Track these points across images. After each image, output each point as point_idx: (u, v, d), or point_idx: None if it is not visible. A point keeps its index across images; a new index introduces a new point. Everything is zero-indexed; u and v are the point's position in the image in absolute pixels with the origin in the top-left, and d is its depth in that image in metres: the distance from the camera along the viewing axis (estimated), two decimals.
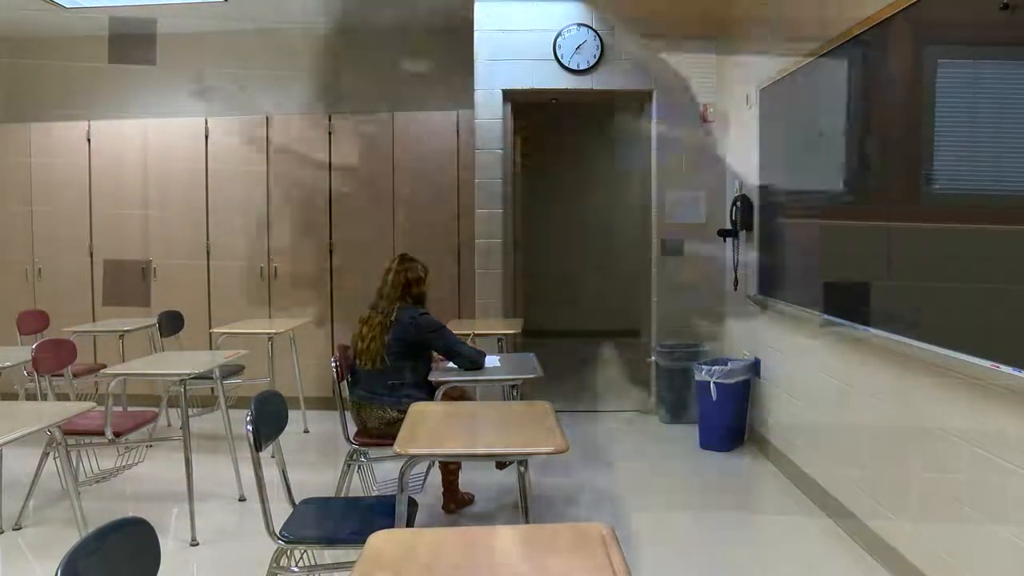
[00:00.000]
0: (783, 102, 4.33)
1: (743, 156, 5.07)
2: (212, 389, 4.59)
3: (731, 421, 4.87)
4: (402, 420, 2.79)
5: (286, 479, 2.67)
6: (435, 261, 4.16)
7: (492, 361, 3.81)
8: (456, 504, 3.85)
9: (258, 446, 2.40)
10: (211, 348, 5.26)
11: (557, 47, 5.52)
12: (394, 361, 3.58)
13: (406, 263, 3.75)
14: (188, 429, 3.65)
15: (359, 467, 3.65)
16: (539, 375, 3.61)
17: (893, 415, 3.15)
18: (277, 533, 2.41)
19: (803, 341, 4.13)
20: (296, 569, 2.45)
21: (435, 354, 3.76)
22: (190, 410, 3.80)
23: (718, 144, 5.56)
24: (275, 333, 5.13)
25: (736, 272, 5.18)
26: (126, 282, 6.03)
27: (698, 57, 5.53)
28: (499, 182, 5.60)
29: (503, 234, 5.64)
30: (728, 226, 5.20)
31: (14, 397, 4.74)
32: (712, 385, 4.76)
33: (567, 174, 9.34)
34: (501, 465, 4.13)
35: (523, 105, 6.02)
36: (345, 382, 3.63)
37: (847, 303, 3.47)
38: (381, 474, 3.82)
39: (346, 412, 3.60)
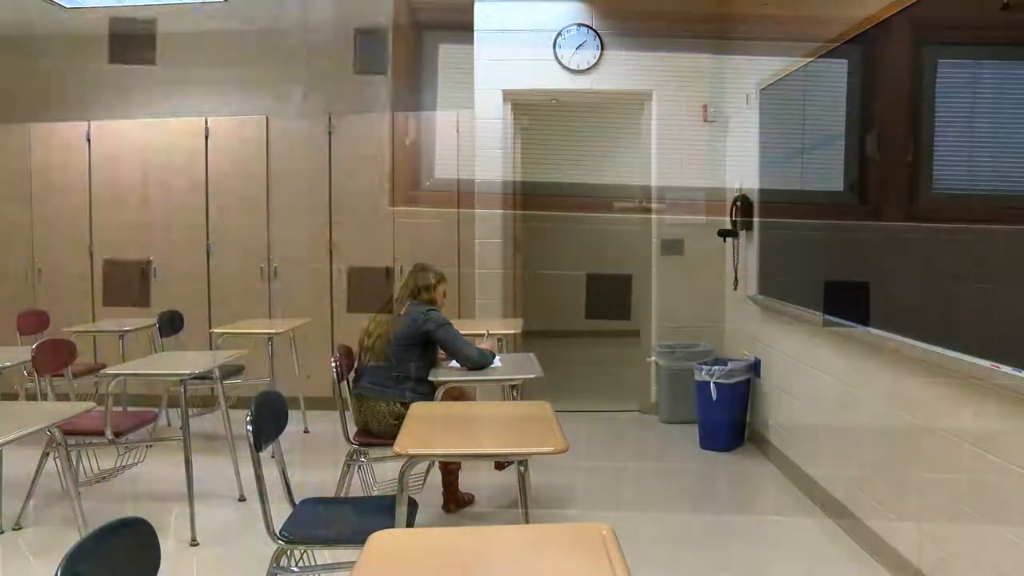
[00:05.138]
0: (783, 102, 4.33)
1: (743, 156, 5.07)
2: (212, 389, 4.58)
3: (731, 421, 4.87)
4: (403, 415, 2.80)
5: (286, 479, 2.67)
6: (435, 261, 4.17)
7: (493, 361, 3.81)
8: (456, 504, 3.86)
9: (258, 446, 2.40)
10: (211, 348, 5.26)
11: (557, 47, 5.52)
12: (399, 355, 3.62)
13: (417, 272, 3.86)
14: (188, 429, 3.65)
15: (359, 467, 3.65)
16: (539, 375, 3.61)
17: (893, 415, 3.15)
18: (277, 533, 2.41)
19: (803, 341, 4.13)
20: (296, 569, 2.45)
21: (441, 353, 3.79)
22: (190, 410, 3.80)
23: (718, 144, 5.56)
24: (275, 333, 5.13)
25: (736, 272, 5.18)
26: (126, 282, 6.03)
27: (698, 57, 5.53)
28: (499, 182, 5.60)
29: (503, 234, 5.64)
30: (728, 226, 5.20)
31: (14, 397, 4.74)
32: (712, 385, 4.76)
33: (567, 174, 9.34)
34: (501, 465, 4.13)
35: (523, 105, 6.01)
36: (346, 382, 3.64)
37: (847, 303, 3.46)
38: (381, 474, 3.82)
39: (346, 412, 3.61)
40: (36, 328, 5.32)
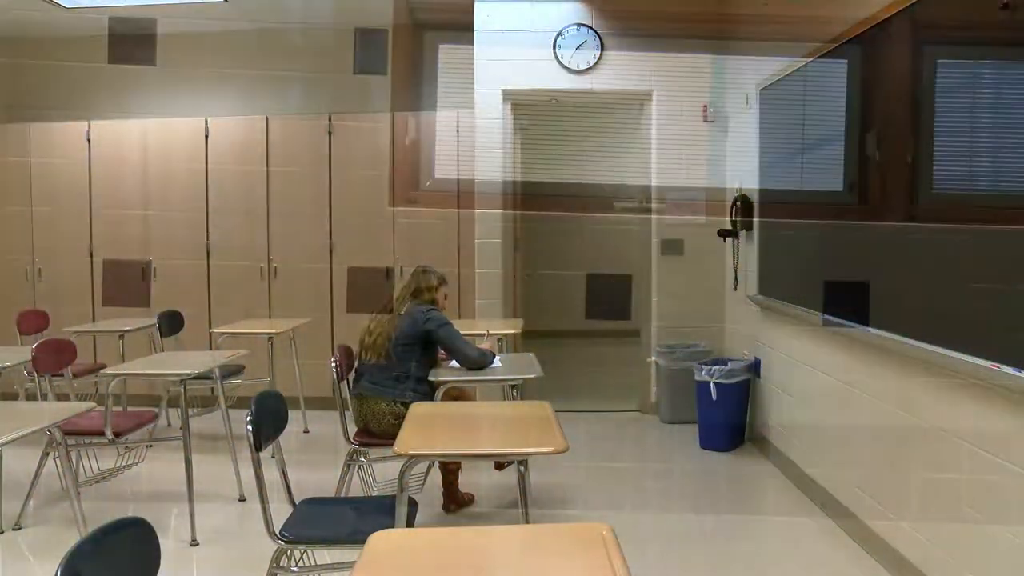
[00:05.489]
0: (783, 102, 4.33)
1: (743, 156, 5.07)
2: (212, 389, 4.59)
3: (731, 421, 4.87)
4: (403, 415, 2.81)
5: (286, 479, 2.67)
6: (434, 261, 4.19)
7: (493, 361, 3.81)
8: (456, 504, 3.86)
9: (258, 446, 2.40)
10: (211, 348, 5.26)
11: (557, 47, 5.52)
12: (400, 354, 3.63)
13: (419, 273, 3.88)
14: (188, 429, 3.65)
15: (359, 467, 3.65)
16: (539, 375, 3.62)
17: (893, 415, 3.15)
18: (277, 533, 2.41)
19: (803, 341, 4.13)
20: (296, 569, 2.45)
21: (441, 353, 3.79)
22: (190, 410, 3.80)
23: (718, 144, 5.56)
24: (275, 333, 5.13)
25: (736, 272, 5.18)
26: (126, 282, 6.03)
27: (697, 57, 5.53)
28: (499, 182, 5.60)
29: (503, 234, 5.64)
30: (728, 226, 5.20)
31: (14, 397, 4.74)
32: (712, 385, 4.76)
33: (567, 174, 9.33)
34: (501, 465, 4.13)
35: (523, 105, 6.02)
36: (346, 381, 3.64)
37: (847, 303, 3.46)
38: (381, 474, 3.82)
39: (346, 412, 3.61)
40: (36, 328, 5.32)
